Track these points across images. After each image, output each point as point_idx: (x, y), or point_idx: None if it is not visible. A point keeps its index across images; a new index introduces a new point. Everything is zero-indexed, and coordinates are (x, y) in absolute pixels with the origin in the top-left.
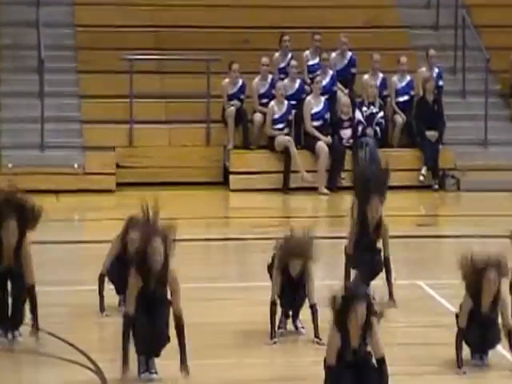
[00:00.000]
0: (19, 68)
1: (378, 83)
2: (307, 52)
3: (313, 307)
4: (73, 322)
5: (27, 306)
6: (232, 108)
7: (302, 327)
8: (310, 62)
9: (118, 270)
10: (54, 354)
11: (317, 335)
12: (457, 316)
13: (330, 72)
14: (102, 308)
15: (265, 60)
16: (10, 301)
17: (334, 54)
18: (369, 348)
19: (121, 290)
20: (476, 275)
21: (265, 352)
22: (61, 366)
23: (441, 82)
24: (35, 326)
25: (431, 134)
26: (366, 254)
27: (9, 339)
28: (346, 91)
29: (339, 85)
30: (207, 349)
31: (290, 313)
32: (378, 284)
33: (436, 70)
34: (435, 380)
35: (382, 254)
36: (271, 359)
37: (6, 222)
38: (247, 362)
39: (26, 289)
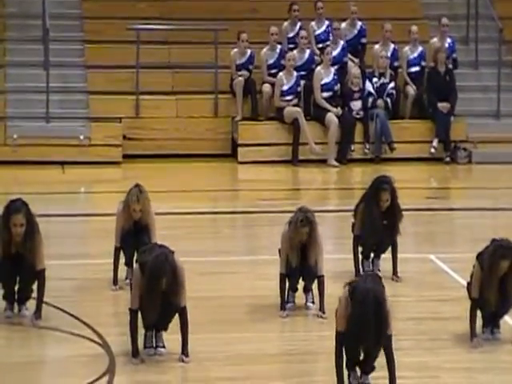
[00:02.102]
0: (24, 38)
1: (389, 53)
2: (313, 23)
3: (320, 278)
4: (79, 296)
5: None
6: (240, 79)
7: (312, 302)
8: (317, 32)
9: (129, 240)
10: (61, 328)
11: (321, 308)
12: (468, 287)
13: (341, 42)
14: (115, 281)
15: (274, 29)
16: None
17: (343, 24)
18: None
19: (130, 262)
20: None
21: (273, 326)
22: (67, 340)
23: (454, 55)
24: (38, 314)
25: (443, 106)
26: (375, 231)
27: (15, 313)
28: (357, 61)
29: (349, 55)
30: (214, 322)
31: (298, 286)
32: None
33: (448, 41)
34: (446, 354)
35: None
36: (279, 333)
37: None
38: (255, 336)
39: (35, 273)
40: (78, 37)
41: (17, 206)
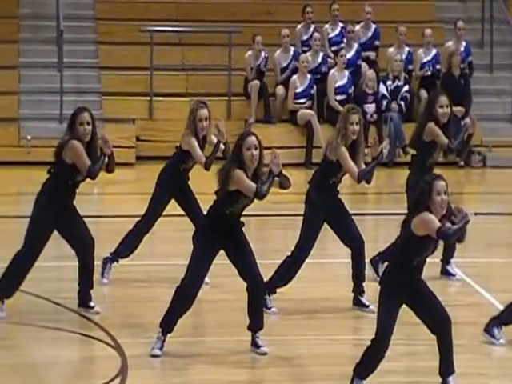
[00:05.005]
0: (38, 39)
1: (404, 56)
2: (327, 25)
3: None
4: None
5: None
6: (256, 82)
7: None
8: (331, 35)
9: None
10: (73, 329)
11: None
12: None
13: (355, 45)
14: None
15: (285, 32)
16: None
17: (357, 27)
18: None
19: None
20: None
21: (284, 329)
22: (80, 341)
23: (470, 58)
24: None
25: (457, 109)
26: None
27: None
28: (372, 59)
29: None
30: (226, 326)
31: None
32: None
33: (464, 44)
34: (459, 359)
35: None
36: (290, 336)
37: None
38: (266, 339)
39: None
40: (92, 38)
41: (82, 107)
